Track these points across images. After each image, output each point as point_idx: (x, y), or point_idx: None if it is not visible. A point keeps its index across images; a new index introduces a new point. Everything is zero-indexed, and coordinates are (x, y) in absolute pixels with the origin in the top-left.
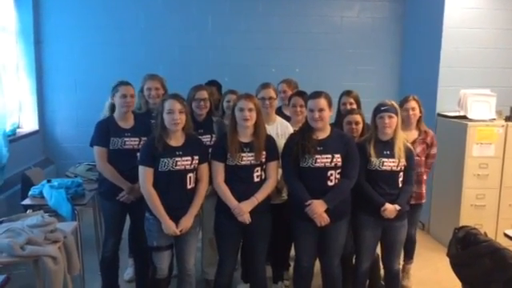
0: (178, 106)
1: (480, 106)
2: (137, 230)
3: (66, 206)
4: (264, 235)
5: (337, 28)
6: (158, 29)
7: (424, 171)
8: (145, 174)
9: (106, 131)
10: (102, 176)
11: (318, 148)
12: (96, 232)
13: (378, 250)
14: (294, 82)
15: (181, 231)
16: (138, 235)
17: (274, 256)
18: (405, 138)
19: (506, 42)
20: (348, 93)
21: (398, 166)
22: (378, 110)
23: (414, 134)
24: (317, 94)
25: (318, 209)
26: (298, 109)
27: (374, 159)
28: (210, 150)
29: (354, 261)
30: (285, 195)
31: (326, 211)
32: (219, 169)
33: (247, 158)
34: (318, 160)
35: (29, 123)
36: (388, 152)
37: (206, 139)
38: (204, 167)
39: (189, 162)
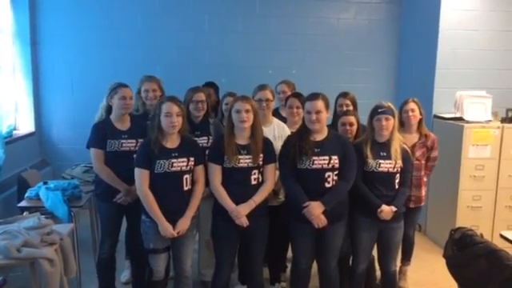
0: (175, 108)
1: (476, 107)
2: (133, 232)
3: (63, 207)
4: (261, 238)
5: (333, 30)
6: (154, 30)
7: (424, 174)
8: (141, 176)
9: (102, 133)
10: (99, 178)
11: (316, 150)
12: (93, 234)
13: (374, 252)
14: (292, 83)
15: (178, 233)
16: (134, 237)
17: (270, 257)
18: (401, 139)
19: (502, 44)
20: (344, 94)
21: (394, 168)
22: (375, 112)
23: (414, 137)
24: (314, 96)
25: (316, 210)
26: (295, 110)
27: (370, 161)
28: (207, 152)
29: (350, 262)
30: (282, 197)
31: (324, 213)
32: (216, 171)
33: (244, 161)
34: (316, 162)
35: (25, 125)
36: (384, 154)
37: (203, 141)
38: (200, 169)
39: (185, 164)
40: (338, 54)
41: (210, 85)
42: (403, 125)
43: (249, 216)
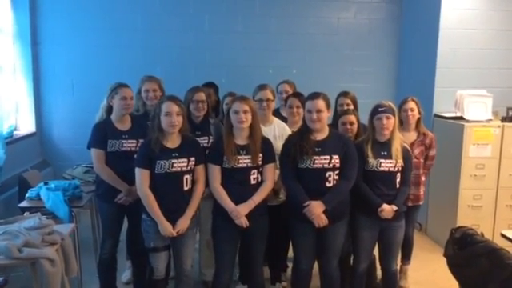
0: (175, 108)
1: (476, 106)
2: (134, 232)
3: (64, 208)
4: (261, 237)
5: (334, 29)
6: (155, 30)
7: (422, 173)
8: (141, 176)
9: (103, 133)
10: (100, 178)
11: (316, 149)
12: (94, 234)
13: (375, 251)
14: (293, 83)
15: (177, 232)
16: (135, 237)
17: (271, 257)
18: (402, 139)
19: (502, 43)
20: (345, 94)
21: (395, 167)
22: (376, 111)
23: (412, 135)
24: (315, 95)
25: (316, 210)
26: (295, 110)
27: (371, 160)
28: (207, 152)
29: (351, 261)
30: (282, 196)
31: (325, 212)
32: (216, 172)
33: (243, 161)
34: (316, 161)
35: (26, 125)
36: (385, 153)
37: (204, 141)
38: (200, 168)
39: (185, 164)
40: (339, 54)
41: (210, 85)
42: (402, 123)
43: (248, 216)
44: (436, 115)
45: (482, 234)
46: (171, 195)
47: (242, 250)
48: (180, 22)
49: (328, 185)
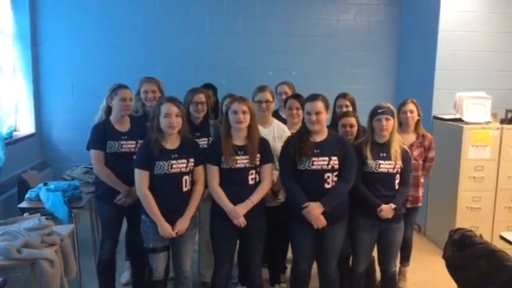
0: (174, 109)
1: (475, 108)
2: (134, 233)
3: (63, 208)
4: (259, 237)
5: (333, 31)
6: (154, 31)
7: (421, 174)
8: (140, 177)
9: (102, 134)
10: (99, 179)
11: (315, 151)
12: (93, 235)
13: (374, 253)
14: (292, 84)
15: (177, 233)
16: (134, 238)
17: (270, 258)
18: (401, 140)
19: (501, 45)
20: (344, 95)
21: (394, 168)
22: (375, 113)
23: (411, 137)
24: (314, 97)
25: (315, 211)
26: (294, 111)
27: (370, 161)
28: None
29: (350, 263)
30: (281, 198)
31: (323, 214)
32: (214, 172)
33: (241, 161)
34: (315, 162)
35: (25, 126)
36: (384, 154)
37: (203, 142)
38: (200, 169)
39: (184, 165)
40: (338, 56)
41: (209, 86)
42: (401, 125)
43: (246, 216)
44: (435, 117)
45: (481, 236)
46: (170, 196)
47: (240, 251)
48: (180, 24)
49: (327, 186)
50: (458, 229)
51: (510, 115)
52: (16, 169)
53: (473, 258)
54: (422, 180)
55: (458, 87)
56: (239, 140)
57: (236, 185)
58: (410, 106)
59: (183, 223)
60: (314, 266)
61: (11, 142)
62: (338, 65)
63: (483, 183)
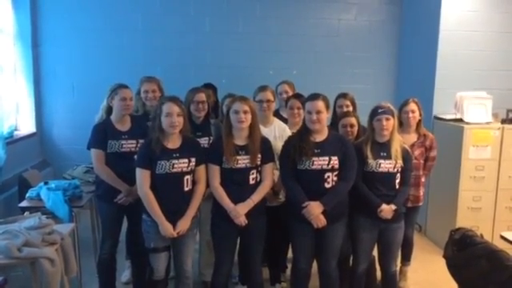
0: (176, 108)
1: (476, 108)
2: (134, 233)
3: (64, 207)
4: (259, 237)
5: (334, 31)
6: (155, 31)
7: (422, 174)
8: (142, 177)
9: (103, 134)
10: (100, 178)
11: (316, 150)
12: (93, 234)
13: (375, 252)
14: (293, 83)
15: (178, 233)
16: (135, 237)
17: (271, 258)
18: (401, 140)
19: (503, 45)
20: (344, 95)
21: (394, 168)
22: (376, 113)
23: (412, 137)
24: (315, 97)
25: (315, 210)
26: (296, 111)
27: (370, 161)
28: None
29: (350, 262)
30: (282, 197)
31: (323, 213)
32: (215, 172)
33: (243, 161)
34: (315, 162)
35: (26, 125)
36: (385, 154)
37: (204, 142)
38: (201, 169)
39: (186, 165)
40: (339, 55)
41: (209, 86)
42: (402, 125)
43: (247, 215)
44: (436, 117)
45: (482, 236)
46: (172, 196)
47: (241, 250)
48: (180, 23)
49: (327, 186)
50: (459, 228)
51: (510, 115)
52: (17, 168)
53: (473, 257)
54: (422, 179)
55: (458, 87)
56: (240, 140)
57: (237, 184)
58: (412, 106)
59: (184, 223)
60: (314, 265)
61: (12, 141)
62: (338, 64)
63: (484, 183)
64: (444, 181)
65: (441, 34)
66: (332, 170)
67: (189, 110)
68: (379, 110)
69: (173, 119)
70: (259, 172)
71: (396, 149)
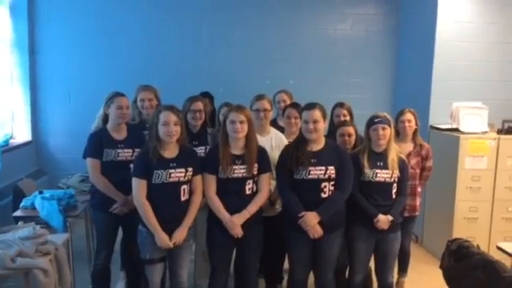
0: (173, 117)
1: (472, 118)
2: (129, 243)
3: (58, 217)
4: (255, 248)
5: (331, 40)
6: (153, 39)
7: (419, 184)
8: (138, 186)
9: (99, 143)
10: (95, 188)
11: (312, 160)
12: (88, 244)
13: (371, 263)
14: (290, 92)
15: (174, 244)
16: (130, 248)
17: (267, 269)
18: (398, 149)
19: (498, 56)
20: (341, 104)
21: (391, 178)
22: (372, 122)
23: (409, 146)
24: (311, 106)
25: (311, 221)
26: (293, 120)
27: (367, 170)
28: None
29: (347, 273)
30: (278, 207)
31: (320, 223)
32: (211, 181)
33: (239, 171)
34: (312, 172)
35: (22, 134)
36: (381, 163)
37: (201, 151)
38: (198, 179)
39: (183, 174)
40: (336, 65)
41: (206, 95)
42: (398, 134)
43: (243, 225)
44: (432, 127)
45: (478, 247)
46: (168, 205)
47: (236, 261)
48: (178, 32)
49: (323, 196)
50: (455, 239)
51: (506, 125)
52: (12, 177)
53: (470, 268)
54: (419, 189)
55: (454, 97)
56: (237, 149)
57: (233, 194)
58: (408, 116)
59: (181, 233)
60: (311, 276)
61: (7, 149)
62: (335, 74)
63: (480, 193)
64: (440, 191)
65: (437, 45)
66: (329, 179)
67: (186, 119)
68: (376, 120)
69: (170, 128)
70: (255, 182)
71: (393, 158)
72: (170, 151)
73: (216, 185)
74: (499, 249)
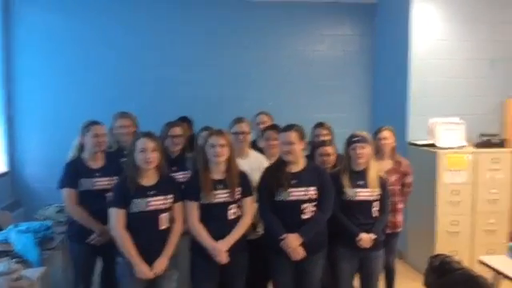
0: (150, 144)
1: (449, 133)
2: (108, 275)
3: (34, 251)
4: (241, 273)
5: (309, 61)
6: (128, 66)
7: (400, 200)
8: (116, 216)
9: (74, 172)
10: (71, 218)
11: (293, 181)
12: (65, 277)
13: (356, 283)
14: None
15: (155, 273)
16: (109, 280)
17: None
18: (378, 168)
19: (472, 72)
20: (321, 124)
21: (372, 196)
22: (351, 141)
23: (388, 163)
24: (287, 128)
25: (293, 242)
26: (272, 142)
27: (347, 190)
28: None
29: None
30: (260, 230)
31: (302, 245)
32: (193, 208)
33: (221, 196)
34: (292, 193)
35: None
36: (362, 182)
37: (180, 176)
38: (178, 206)
39: (162, 202)
40: (314, 85)
41: (184, 119)
42: (377, 152)
43: (228, 251)
44: (410, 143)
45: (460, 261)
46: (147, 235)
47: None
48: (154, 58)
49: (304, 217)
50: (437, 255)
51: (483, 139)
52: None
53: (452, 284)
54: (400, 206)
55: (431, 113)
56: (218, 174)
57: (216, 220)
58: (385, 133)
59: (161, 263)
60: None
61: None
62: (314, 94)
63: (460, 207)
64: (421, 206)
65: (411, 63)
66: (309, 200)
67: (164, 145)
68: (354, 139)
69: (147, 155)
70: (239, 206)
71: (373, 177)
72: (149, 179)
73: (198, 211)
74: (481, 263)
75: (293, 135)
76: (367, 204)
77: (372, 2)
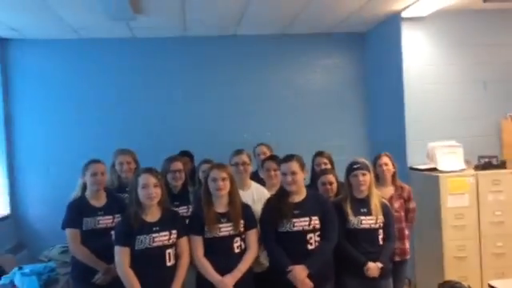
0: (152, 180)
1: (448, 157)
2: None
3: None
4: None
5: (304, 91)
6: (128, 104)
7: (405, 226)
8: (121, 255)
9: (77, 212)
10: (75, 258)
11: (295, 211)
12: None
13: None
14: (269, 145)
15: None
16: None
17: None
18: (380, 194)
19: (464, 94)
20: (320, 153)
21: (376, 223)
22: (351, 169)
23: (390, 190)
24: (289, 158)
25: (300, 274)
26: (272, 173)
27: (351, 218)
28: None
29: None
30: (265, 262)
31: (309, 276)
32: (198, 242)
33: (226, 229)
34: (296, 224)
35: (0, 207)
36: (365, 210)
37: (183, 211)
38: (184, 241)
39: (167, 238)
40: (311, 114)
41: (185, 154)
42: (378, 179)
43: (234, 286)
44: (411, 168)
45: (469, 287)
46: (153, 272)
47: None
48: (153, 95)
49: (310, 247)
50: (446, 281)
51: (483, 161)
52: None
53: None
54: (406, 232)
55: (429, 137)
56: (221, 207)
57: (221, 254)
58: (384, 159)
59: None
60: None
61: None
62: (311, 123)
63: (465, 231)
64: (427, 232)
65: (406, 89)
66: (313, 230)
67: (166, 180)
68: (354, 166)
69: (149, 191)
70: (243, 239)
71: (375, 204)
72: (152, 215)
73: (203, 245)
74: (491, 287)
75: (295, 165)
76: (372, 232)
77: (362, 31)
